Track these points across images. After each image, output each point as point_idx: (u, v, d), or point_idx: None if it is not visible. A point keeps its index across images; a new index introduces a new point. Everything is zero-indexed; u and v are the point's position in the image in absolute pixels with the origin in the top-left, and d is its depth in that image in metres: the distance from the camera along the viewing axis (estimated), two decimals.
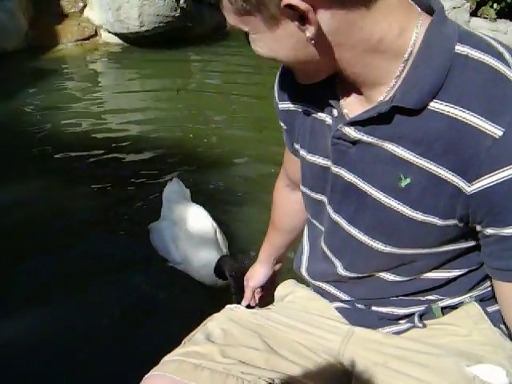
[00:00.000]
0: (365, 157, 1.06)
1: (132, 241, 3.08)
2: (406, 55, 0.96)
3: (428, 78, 0.94)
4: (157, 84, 6.11)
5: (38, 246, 2.92)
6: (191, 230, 2.75)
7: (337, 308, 1.28)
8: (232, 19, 0.97)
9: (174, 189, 3.09)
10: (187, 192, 3.13)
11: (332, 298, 1.29)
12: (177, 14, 6.93)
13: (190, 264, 2.63)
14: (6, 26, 6.75)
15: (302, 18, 0.89)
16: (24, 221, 3.23)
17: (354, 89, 1.07)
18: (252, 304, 1.72)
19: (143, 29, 6.91)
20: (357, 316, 1.25)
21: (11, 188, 3.68)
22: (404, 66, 0.97)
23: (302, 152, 1.23)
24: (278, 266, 1.75)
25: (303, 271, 1.36)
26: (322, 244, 1.26)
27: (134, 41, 7.11)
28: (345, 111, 1.09)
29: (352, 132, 1.05)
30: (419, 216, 1.03)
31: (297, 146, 1.26)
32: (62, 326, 2.41)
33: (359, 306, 1.24)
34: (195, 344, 1.24)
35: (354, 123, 1.05)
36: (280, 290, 1.49)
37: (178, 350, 1.23)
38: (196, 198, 3.18)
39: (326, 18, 0.90)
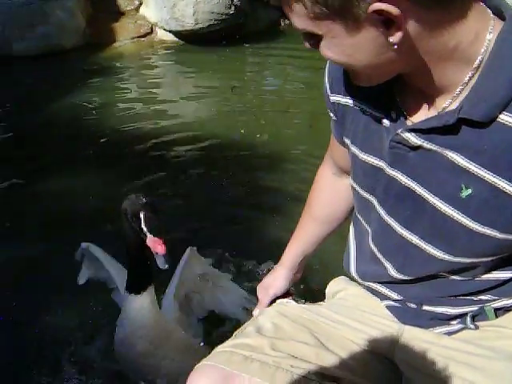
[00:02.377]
0: (425, 163, 1.05)
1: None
2: (476, 63, 0.95)
3: (499, 90, 0.92)
4: (211, 81, 6.16)
5: (86, 235, 2.91)
6: None
7: (387, 306, 1.28)
8: (301, 23, 0.94)
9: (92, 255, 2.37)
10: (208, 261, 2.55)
11: (383, 296, 1.29)
12: (231, 12, 6.96)
13: None
14: (65, 24, 6.93)
15: (387, 24, 0.88)
16: (75, 210, 3.33)
17: (417, 93, 1.06)
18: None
19: (198, 26, 6.95)
20: (408, 315, 1.24)
21: (65, 179, 3.84)
22: (473, 75, 0.96)
23: (354, 149, 1.22)
24: (299, 275, 1.65)
25: (353, 272, 1.36)
26: (371, 244, 1.25)
27: (189, 38, 7.17)
28: (405, 116, 1.08)
29: (412, 138, 1.04)
30: (478, 227, 1.02)
31: (347, 141, 1.25)
32: None
33: (411, 305, 1.24)
34: (246, 336, 1.26)
35: (415, 130, 1.04)
36: (331, 287, 1.49)
37: (229, 342, 1.26)
38: (248, 196, 3.20)
39: (412, 23, 0.89)
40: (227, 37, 7.13)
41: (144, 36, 7.40)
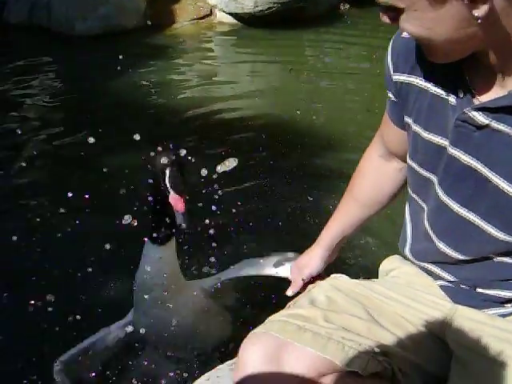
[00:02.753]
0: (490, 143, 1.04)
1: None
2: None
3: None
4: (269, 63, 6.16)
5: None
6: None
7: (441, 286, 1.26)
8: None
9: None
10: None
11: (436, 276, 1.27)
12: None
13: None
14: (125, 5, 7.08)
15: None
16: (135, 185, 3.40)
17: (488, 72, 1.04)
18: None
19: (257, 9, 6.96)
20: (461, 295, 1.22)
21: (121, 155, 3.91)
22: None
23: (416, 128, 1.20)
24: (334, 255, 1.61)
25: (407, 251, 1.34)
26: (426, 223, 1.23)
27: (248, 21, 7.18)
28: (473, 94, 1.06)
29: (479, 117, 1.03)
30: None
31: (408, 120, 1.23)
32: None
33: (464, 286, 1.22)
34: (299, 307, 1.27)
35: (482, 109, 1.02)
36: (385, 265, 1.47)
37: (283, 312, 1.27)
38: (299, 178, 3.19)
39: None
40: (286, 20, 7.11)
41: (203, 18, 7.46)
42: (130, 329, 2.03)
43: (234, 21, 7.33)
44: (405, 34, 1.17)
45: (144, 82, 5.41)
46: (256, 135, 4.18)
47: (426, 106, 1.16)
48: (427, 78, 1.14)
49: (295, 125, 4.34)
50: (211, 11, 7.49)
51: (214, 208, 2.15)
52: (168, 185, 1.76)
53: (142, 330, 2.01)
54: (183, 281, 2.08)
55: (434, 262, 1.26)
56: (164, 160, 1.78)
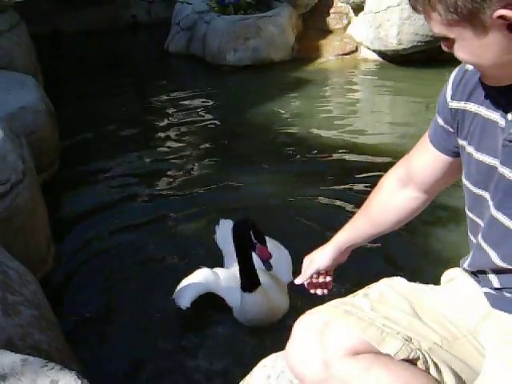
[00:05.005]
0: None
1: None
2: None
3: None
4: (407, 99, 6.24)
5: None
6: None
7: (485, 293, 1.37)
8: (438, 29, 1.12)
9: (226, 230, 2.90)
10: None
11: (483, 283, 1.38)
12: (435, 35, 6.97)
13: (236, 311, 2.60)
14: (275, 39, 7.46)
15: (511, 28, 1.03)
16: (253, 201, 3.70)
17: None
18: (310, 287, 1.77)
19: (401, 47, 7.05)
20: (500, 301, 1.32)
21: (260, 178, 4.21)
22: None
23: (470, 149, 1.32)
24: (345, 257, 1.75)
25: (466, 265, 1.45)
26: (479, 237, 1.34)
27: (392, 58, 7.29)
28: None
29: None
30: None
31: (463, 143, 1.35)
32: None
33: (507, 294, 1.31)
34: (353, 297, 1.45)
35: None
36: (445, 276, 1.57)
37: (338, 299, 1.45)
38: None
39: None
40: (429, 59, 7.16)
41: (348, 54, 7.68)
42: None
43: (378, 58, 7.48)
44: (466, 67, 1.32)
45: (283, 111, 5.73)
46: (382, 169, 4.25)
47: (478, 129, 1.29)
48: (481, 104, 1.28)
49: None
50: (356, 48, 7.70)
51: None
52: (255, 240, 2.37)
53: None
54: (276, 305, 2.57)
55: (482, 270, 1.37)
56: (247, 225, 2.45)
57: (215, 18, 7.70)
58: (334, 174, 4.26)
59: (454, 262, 1.54)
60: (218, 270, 2.74)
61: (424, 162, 1.50)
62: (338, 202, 3.79)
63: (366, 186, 3.95)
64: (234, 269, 2.62)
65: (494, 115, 1.23)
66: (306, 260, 1.75)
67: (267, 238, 2.61)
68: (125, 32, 9.34)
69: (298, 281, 1.75)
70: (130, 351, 2.55)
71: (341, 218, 3.45)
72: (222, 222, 3.11)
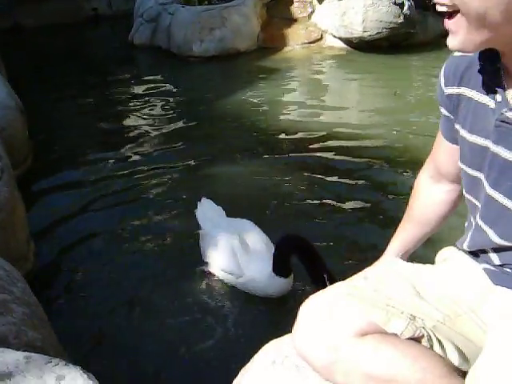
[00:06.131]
0: None
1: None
2: None
3: None
4: (374, 86, 6.30)
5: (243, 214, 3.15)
6: (249, 242, 2.77)
7: (484, 269, 1.40)
8: None
9: (207, 207, 3.07)
10: (220, 209, 3.09)
11: (482, 260, 1.41)
12: (399, 21, 7.03)
13: (255, 276, 2.67)
14: (240, 29, 7.47)
15: None
16: (236, 193, 3.70)
17: None
18: None
19: (366, 34, 7.12)
20: (502, 277, 1.35)
21: (226, 166, 4.21)
22: None
23: (463, 132, 1.36)
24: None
25: (465, 246, 1.48)
26: (477, 217, 1.37)
27: (357, 45, 7.36)
28: (509, 97, 1.21)
29: None
30: None
31: (457, 127, 1.39)
32: None
33: (506, 269, 1.34)
34: (353, 280, 1.48)
35: None
36: (440, 254, 1.60)
37: (340, 282, 1.47)
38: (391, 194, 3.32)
39: None
40: (394, 45, 7.25)
41: (314, 42, 7.73)
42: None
43: (343, 45, 7.54)
44: (455, 54, 1.35)
45: (251, 100, 5.73)
46: (350, 154, 4.35)
47: (471, 112, 1.32)
48: (472, 88, 1.31)
49: (391, 145, 4.47)
50: (321, 36, 7.74)
51: None
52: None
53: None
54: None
55: (481, 249, 1.40)
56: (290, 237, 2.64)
57: (179, 8, 7.65)
58: (303, 161, 4.28)
59: (448, 242, 1.57)
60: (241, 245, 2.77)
61: (444, 154, 1.54)
62: (310, 189, 3.82)
63: (334, 173, 4.02)
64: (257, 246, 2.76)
65: (484, 97, 1.27)
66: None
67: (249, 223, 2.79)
68: (87, 25, 9.26)
69: None
70: (120, 346, 2.53)
71: (314, 206, 3.61)
72: (203, 199, 3.13)
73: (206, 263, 2.87)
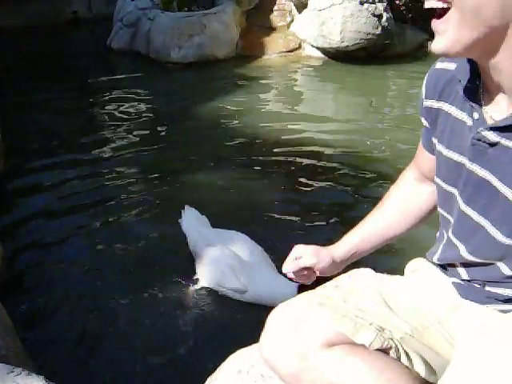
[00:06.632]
0: (501, 158, 1.17)
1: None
2: None
3: None
4: (351, 96, 6.36)
5: (221, 222, 3.17)
6: (245, 255, 2.71)
7: (453, 283, 1.40)
8: None
9: (192, 216, 3.02)
10: (205, 218, 3.05)
11: (451, 274, 1.41)
12: (378, 32, 7.11)
13: (261, 290, 2.61)
14: (219, 36, 7.47)
15: None
16: (215, 200, 3.69)
17: (497, 94, 1.19)
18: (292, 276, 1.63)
19: (344, 44, 7.18)
20: (470, 292, 1.35)
21: (206, 173, 4.19)
22: None
23: (440, 147, 1.36)
24: (342, 266, 1.66)
25: (435, 259, 1.48)
26: (450, 232, 1.37)
27: (335, 55, 7.41)
28: (486, 116, 1.21)
29: (491, 135, 1.17)
30: None
31: (435, 140, 1.39)
32: None
33: (474, 284, 1.35)
34: (324, 288, 1.47)
35: (493, 128, 1.17)
36: (409, 266, 1.60)
37: (310, 291, 1.46)
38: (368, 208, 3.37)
39: None
40: (372, 56, 7.31)
41: (292, 51, 7.76)
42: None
43: (321, 55, 7.58)
44: (436, 66, 1.35)
45: (228, 107, 5.72)
46: (325, 163, 4.37)
47: (448, 128, 1.32)
48: (451, 103, 1.31)
49: (363, 156, 4.51)
50: (300, 45, 7.78)
51: None
52: None
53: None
54: None
55: (451, 263, 1.41)
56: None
57: (159, 14, 7.63)
58: (278, 169, 4.30)
59: (418, 254, 1.57)
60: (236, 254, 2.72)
61: (427, 162, 1.51)
62: (286, 196, 3.86)
63: (309, 181, 4.04)
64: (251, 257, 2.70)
65: (462, 114, 1.27)
66: (297, 251, 1.63)
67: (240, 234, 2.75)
68: (66, 28, 9.18)
69: (285, 269, 1.62)
70: (85, 350, 2.50)
71: (290, 209, 3.63)
72: (187, 208, 3.08)
73: (196, 280, 2.82)
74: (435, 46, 1.13)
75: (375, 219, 1.64)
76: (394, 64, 7.23)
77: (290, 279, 1.66)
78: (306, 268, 1.61)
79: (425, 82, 1.41)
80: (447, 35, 1.10)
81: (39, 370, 2.04)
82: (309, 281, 1.67)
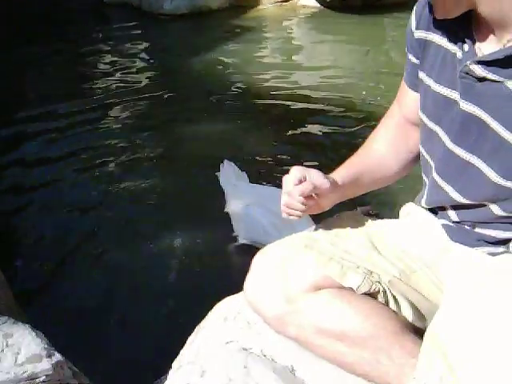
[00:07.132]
0: (489, 92, 1.14)
1: None
2: None
3: None
4: (347, 44, 6.27)
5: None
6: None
7: (442, 225, 1.38)
8: None
9: (230, 172, 2.88)
10: (244, 174, 2.91)
11: (441, 216, 1.38)
12: None
13: None
14: None
15: None
16: (209, 151, 3.65)
17: (487, 28, 1.14)
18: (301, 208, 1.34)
19: None
20: (459, 234, 1.32)
21: (201, 125, 4.16)
22: None
23: (428, 80, 1.30)
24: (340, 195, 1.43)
25: (423, 203, 1.44)
26: (434, 173, 1.33)
27: (330, 4, 7.29)
28: (475, 48, 1.16)
29: (478, 69, 1.13)
30: None
31: (422, 75, 1.33)
32: None
33: (463, 226, 1.32)
34: (311, 230, 1.44)
35: (480, 62, 1.12)
36: (401, 211, 1.59)
37: (296, 234, 1.43)
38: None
39: None
40: (368, 4, 7.18)
41: (287, 1, 7.64)
42: None
43: (317, 4, 7.45)
44: None
45: (224, 58, 5.66)
46: (319, 112, 4.35)
47: (439, 60, 1.26)
48: (442, 35, 1.25)
49: (360, 104, 4.47)
50: None
51: None
52: None
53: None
54: None
55: (439, 206, 1.38)
56: None
57: None
58: (276, 121, 4.25)
59: (412, 198, 1.55)
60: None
61: (409, 102, 1.43)
62: (284, 149, 3.81)
63: (305, 133, 4.02)
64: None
65: (453, 46, 1.22)
66: (298, 172, 1.34)
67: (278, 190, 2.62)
68: None
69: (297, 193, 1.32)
70: (76, 300, 2.51)
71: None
72: (226, 162, 2.91)
73: (236, 236, 2.74)
74: None
75: (367, 154, 1.51)
76: (390, 12, 7.09)
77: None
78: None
79: (414, 13, 1.34)
80: None
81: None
82: (318, 210, 1.41)
